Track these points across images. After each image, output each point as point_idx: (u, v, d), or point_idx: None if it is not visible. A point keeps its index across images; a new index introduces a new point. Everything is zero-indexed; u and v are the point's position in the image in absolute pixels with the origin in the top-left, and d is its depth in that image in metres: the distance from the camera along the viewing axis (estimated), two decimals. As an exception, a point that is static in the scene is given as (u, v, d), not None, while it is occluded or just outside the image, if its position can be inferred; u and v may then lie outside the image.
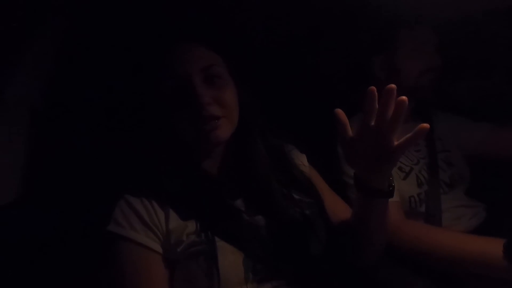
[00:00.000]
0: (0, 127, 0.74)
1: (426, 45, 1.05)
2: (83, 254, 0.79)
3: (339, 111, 0.62)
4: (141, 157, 0.74)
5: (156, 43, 0.75)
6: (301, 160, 0.84)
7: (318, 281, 0.68)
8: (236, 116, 0.73)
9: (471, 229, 0.98)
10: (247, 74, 0.76)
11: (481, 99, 1.16)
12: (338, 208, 0.83)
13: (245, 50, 0.83)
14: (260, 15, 1.00)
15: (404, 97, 0.57)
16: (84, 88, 0.93)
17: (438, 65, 1.04)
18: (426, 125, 0.57)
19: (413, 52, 1.04)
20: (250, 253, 0.65)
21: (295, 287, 0.66)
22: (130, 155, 0.76)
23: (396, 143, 0.59)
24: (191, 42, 0.72)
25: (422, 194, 0.99)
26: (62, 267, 0.80)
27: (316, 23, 1.07)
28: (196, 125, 0.68)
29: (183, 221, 0.67)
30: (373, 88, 0.58)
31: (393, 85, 0.57)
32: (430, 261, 0.86)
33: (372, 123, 0.60)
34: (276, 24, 1.04)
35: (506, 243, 0.76)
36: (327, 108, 1.10)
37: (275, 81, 1.03)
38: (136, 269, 0.65)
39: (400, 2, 0.94)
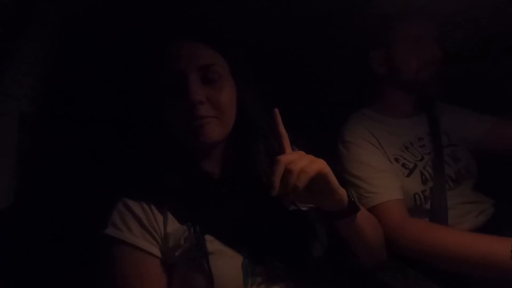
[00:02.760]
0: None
1: (424, 37, 1.01)
2: (80, 257, 0.79)
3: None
4: (139, 158, 0.73)
5: (155, 39, 0.74)
6: None
7: (319, 284, 0.66)
8: (231, 118, 0.72)
9: (478, 226, 0.95)
10: (250, 75, 0.76)
11: (486, 91, 1.13)
12: None
13: (247, 51, 0.81)
14: (257, 16, 0.98)
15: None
16: (78, 86, 0.92)
17: (438, 58, 1.00)
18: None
19: (411, 45, 1.01)
20: (250, 256, 0.64)
21: None
22: (127, 156, 0.75)
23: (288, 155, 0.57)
24: (191, 41, 0.71)
25: (427, 191, 0.96)
26: (59, 270, 0.80)
27: (313, 18, 1.04)
28: (185, 123, 0.68)
29: (181, 225, 0.67)
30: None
31: None
32: (434, 262, 0.83)
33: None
34: (272, 24, 1.02)
35: (515, 243, 0.74)
36: (326, 105, 1.10)
37: (274, 80, 1.01)
38: (134, 273, 0.64)
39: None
